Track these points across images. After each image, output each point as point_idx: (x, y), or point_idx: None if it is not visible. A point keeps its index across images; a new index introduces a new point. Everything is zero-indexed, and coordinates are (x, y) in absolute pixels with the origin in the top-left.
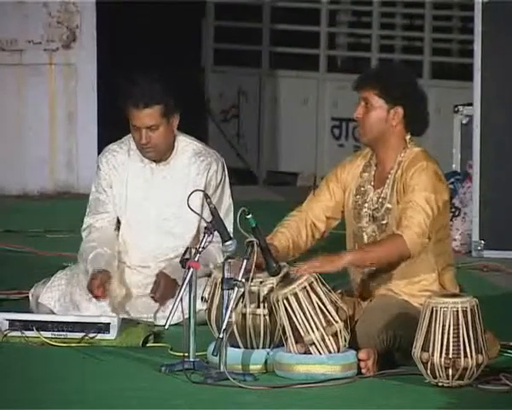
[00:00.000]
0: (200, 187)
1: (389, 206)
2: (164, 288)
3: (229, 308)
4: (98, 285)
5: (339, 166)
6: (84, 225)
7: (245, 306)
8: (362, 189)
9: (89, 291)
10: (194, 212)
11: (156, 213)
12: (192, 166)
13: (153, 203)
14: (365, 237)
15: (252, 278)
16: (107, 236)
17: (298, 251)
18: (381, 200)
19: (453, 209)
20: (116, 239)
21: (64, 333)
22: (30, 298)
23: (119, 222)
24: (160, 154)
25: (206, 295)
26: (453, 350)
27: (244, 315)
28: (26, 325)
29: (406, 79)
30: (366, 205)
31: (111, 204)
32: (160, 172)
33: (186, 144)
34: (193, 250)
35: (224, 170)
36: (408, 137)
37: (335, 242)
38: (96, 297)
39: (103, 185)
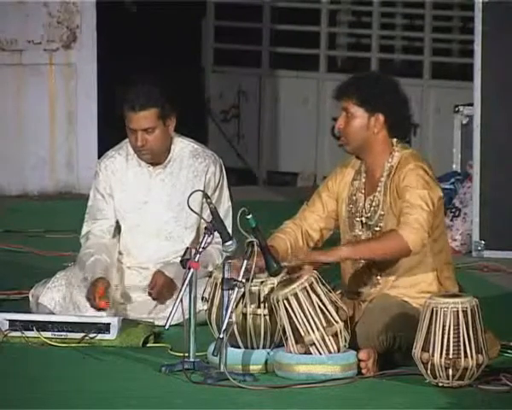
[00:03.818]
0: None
1: (382, 212)
2: (161, 285)
3: (230, 309)
4: (100, 296)
5: (330, 177)
6: (83, 233)
7: (245, 306)
8: (354, 197)
9: (87, 300)
10: (195, 212)
11: (155, 217)
12: (190, 168)
13: (152, 207)
14: None
15: (252, 278)
16: (105, 243)
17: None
18: (373, 207)
19: (453, 209)
20: (115, 247)
21: (64, 333)
22: (30, 298)
23: (119, 227)
24: (156, 156)
25: (207, 296)
26: (453, 350)
27: (244, 315)
28: (26, 325)
29: (384, 85)
30: (359, 213)
31: (109, 210)
32: (158, 175)
33: (184, 146)
34: (193, 250)
35: (222, 171)
36: (394, 140)
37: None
38: (98, 307)
39: (102, 191)
